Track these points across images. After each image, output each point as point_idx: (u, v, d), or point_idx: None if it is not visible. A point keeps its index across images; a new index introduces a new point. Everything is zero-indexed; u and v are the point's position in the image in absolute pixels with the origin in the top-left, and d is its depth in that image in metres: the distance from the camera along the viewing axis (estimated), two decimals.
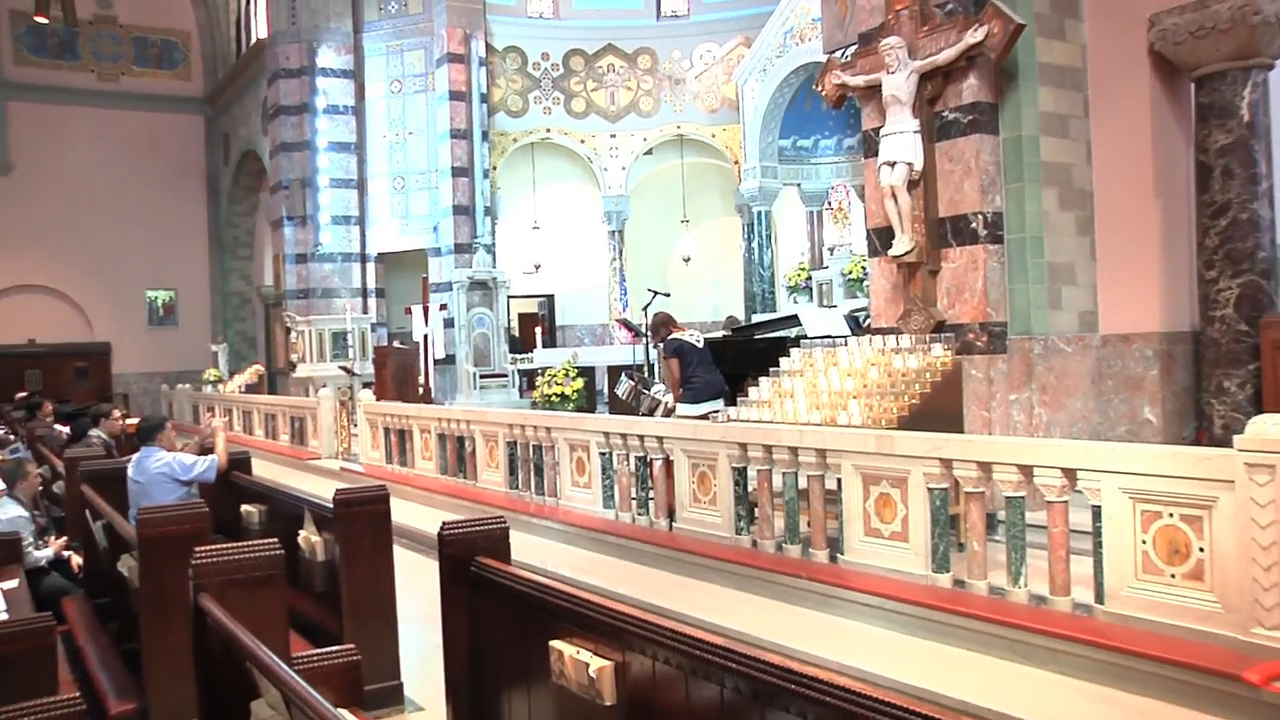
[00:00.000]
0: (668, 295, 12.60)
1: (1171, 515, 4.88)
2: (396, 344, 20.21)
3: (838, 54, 9.63)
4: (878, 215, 8.75)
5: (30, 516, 7.88)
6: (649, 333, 10.29)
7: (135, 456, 7.63)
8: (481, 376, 21.18)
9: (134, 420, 10.93)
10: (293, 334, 23.20)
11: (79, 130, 29.49)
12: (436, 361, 20.89)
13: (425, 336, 20.17)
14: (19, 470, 8.12)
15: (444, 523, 4.29)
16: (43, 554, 7.70)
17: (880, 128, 8.53)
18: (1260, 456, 4.53)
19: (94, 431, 11.56)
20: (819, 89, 9.59)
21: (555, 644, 3.47)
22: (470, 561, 4.15)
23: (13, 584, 6.19)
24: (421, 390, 17.05)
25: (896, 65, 8.27)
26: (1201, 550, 4.78)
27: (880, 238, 8.76)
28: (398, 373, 16.02)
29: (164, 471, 7.39)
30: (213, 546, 4.23)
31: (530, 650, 3.68)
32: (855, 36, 9.26)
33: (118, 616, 6.61)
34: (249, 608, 3.90)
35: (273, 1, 24.74)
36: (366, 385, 17.09)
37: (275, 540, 4.35)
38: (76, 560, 7.89)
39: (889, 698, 2.31)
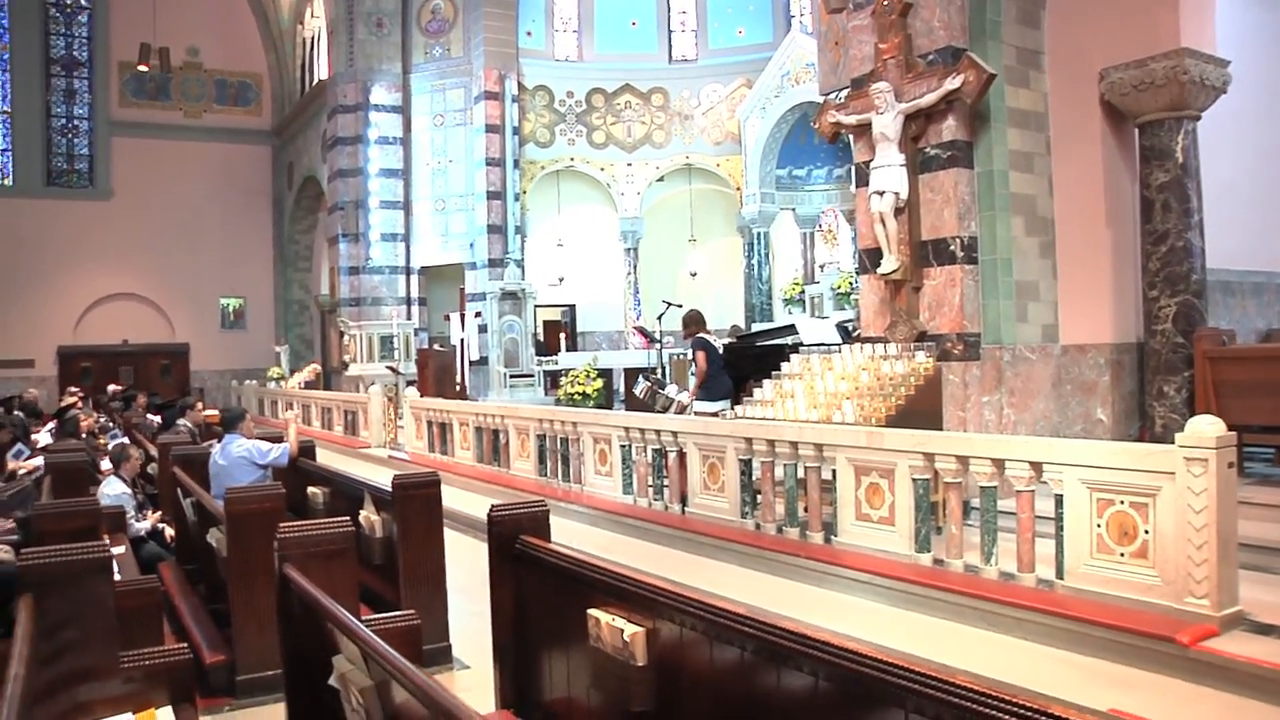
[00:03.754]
0: (680, 306, 12.60)
1: (1122, 502, 4.95)
2: (437, 347, 20.23)
3: (833, 96, 9.65)
4: (868, 238, 8.77)
5: (132, 494, 7.98)
6: (683, 325, 10.34)
7: (220, 442, 7.71)
8: (511, 376, 21.24)
9: (213, 412, 11.01)
10: (346, 337, 23.27)
11: (167, 160, 29.89)
12: (472, 362, 20.95)
13: (462, 340, 20.27)
14: (123, 454, 8.22)
15: (493, 505, 4.31)
16: (142, 525, 7.80)
17: (871, 161, 8.56)
18: (1196, 451, 4.62)
19: (181, 421, 11.65)
20: (816, 126, 9.62)
21: (593, 612, 3.48)
22: (515, 539, 4.17)
23: (120, 550, 6.30)
24: (458, 388, 17.09)
25: (885, 107, 8.31)
26: (1146, 532, 4.85)
27: (870, 258, 8.78)
28: (438, 372, 16.05)
29: (245, 456, 7.45)
30: (295, 523, 4.29)
31: (569, 617, 3.69)
32: (848, 81, 9.29)
33: (205, 580, 6.69)
34: (326, 576, 3.96)
35: (334, 47, 24.85)
36: (410, 383, 17.11)
37: (347, 519, 4.42)
38: (170, 532, 7.98)
39: (889, 658, 2.36)
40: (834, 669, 2.50)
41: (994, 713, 2.04)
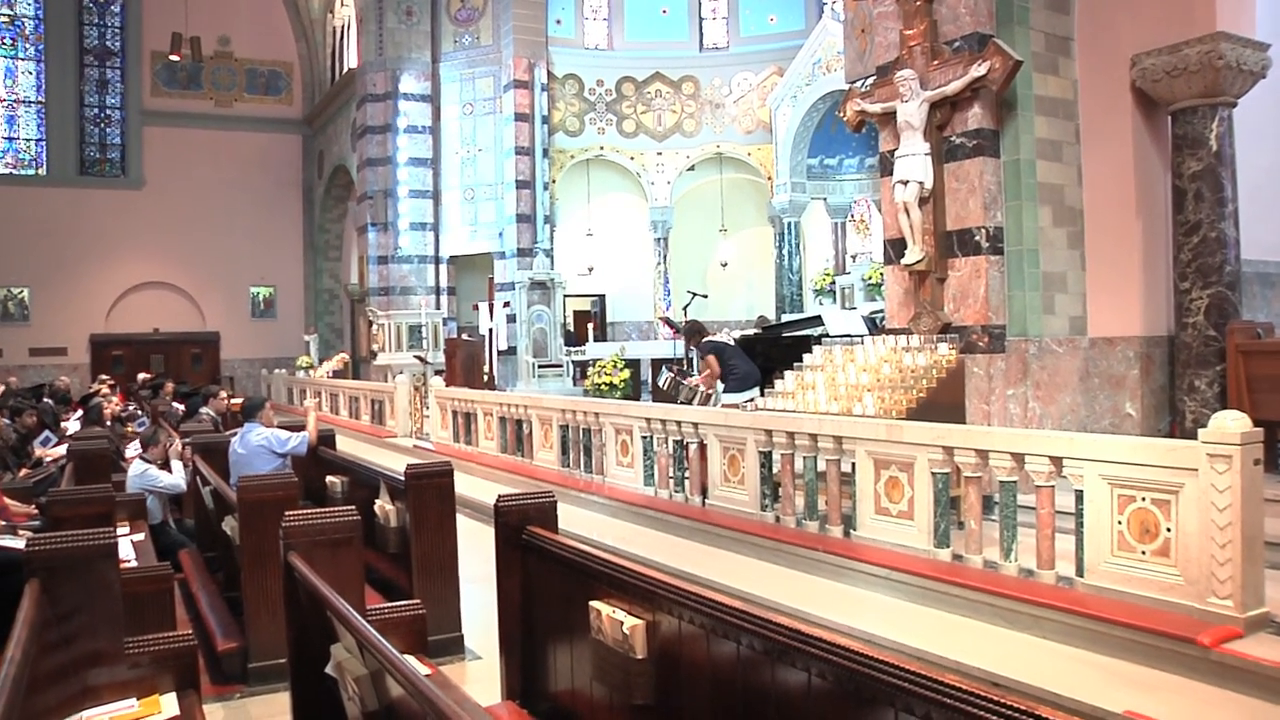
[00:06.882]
0: (705, 296, 12.58)
1: (1144, 499, 4.87)
2: (465, 336, 20.31)
3: (858, 84, 9.58)
4: (892, 228, 8.71)
5: (156, 475, 8.06)
6: (684, 338, 10.38)
7: (240, 430, 7.78)
8: (540, 366, 21.27)
9: (238, 400, 11.10)
10: (374, 326, 23.41)
11: (199, 150, 30.12)
12: (500, 352, 21.04)
13: (490, 330, 20.36)
14: (153, 437, 8.31)
15: (500, 495, 4.31)
16: (173, 478, 7.88)
17: (895, 150, 8.48)
18: (1220, 448, 4.53)
19: (204, 409, 11.73)
20: (841, 115, 9.56)
21: (594, 604, 3.48)
22: (522, 530, 4.18)
23: (139, 537, 6.40)
24: (486, 378, 17.16)
25: (909, 95, 8.22)
26: (1168, 530, 4.77)
27: (894, 248, 8.72)
28: (465, 362, 16.11)
29: (263, 445, 7.53)
30: (300, 511, 4.31)
31: (573, 608, 3.70)
32: (874, 69, 9.21)
33: (224, 568, 6.76)
34: (330, 565, 3.98)
35: (364, 36, 24.95)
36: (438, 373, 17.17)
37: (353, 507, 4.43)
38: (177, 464, 8.03)
39: (883, 656, 2.34)
40: (827, 665, 2.48)
41: (981, 712, 2.01)
